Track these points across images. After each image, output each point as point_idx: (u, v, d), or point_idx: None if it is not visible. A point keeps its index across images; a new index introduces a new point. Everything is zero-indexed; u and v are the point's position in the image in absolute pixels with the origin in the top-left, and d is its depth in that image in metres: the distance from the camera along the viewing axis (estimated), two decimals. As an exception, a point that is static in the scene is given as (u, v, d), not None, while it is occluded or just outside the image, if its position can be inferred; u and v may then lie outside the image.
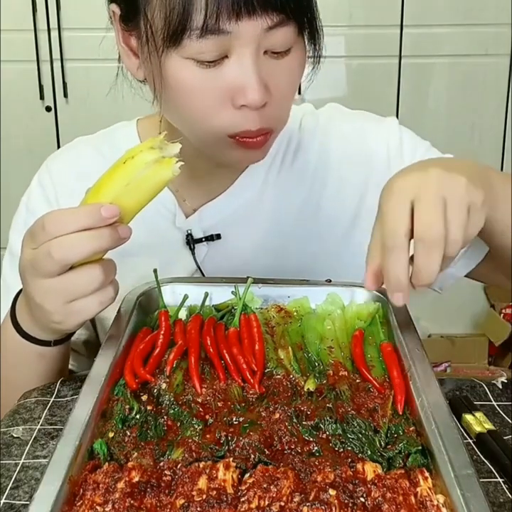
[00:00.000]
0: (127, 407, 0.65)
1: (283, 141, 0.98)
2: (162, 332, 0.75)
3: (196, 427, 0.63)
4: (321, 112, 1.02)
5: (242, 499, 0.53)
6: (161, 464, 0.57)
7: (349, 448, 0.60)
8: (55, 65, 2.32)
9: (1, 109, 2.37)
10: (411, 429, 0.62)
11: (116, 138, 1.01)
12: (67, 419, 0.60)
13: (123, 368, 0.70)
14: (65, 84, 2.35)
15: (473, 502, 0.50)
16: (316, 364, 0.73)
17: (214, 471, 0.56)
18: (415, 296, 0.75)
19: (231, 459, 0.57)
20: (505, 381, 0.79)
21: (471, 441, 0.69)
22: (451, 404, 0.73)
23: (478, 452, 0.68)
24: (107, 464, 0.57)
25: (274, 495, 0.53)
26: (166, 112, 0.85)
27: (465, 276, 1.01)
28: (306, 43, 0.81)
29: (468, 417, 0.72)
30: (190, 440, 0.61)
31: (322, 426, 0.63)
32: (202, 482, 0.55)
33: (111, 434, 0.62)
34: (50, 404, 0.76)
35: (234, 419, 0.64)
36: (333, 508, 0.52)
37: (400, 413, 0.64)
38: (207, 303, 0.83)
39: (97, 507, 0.53)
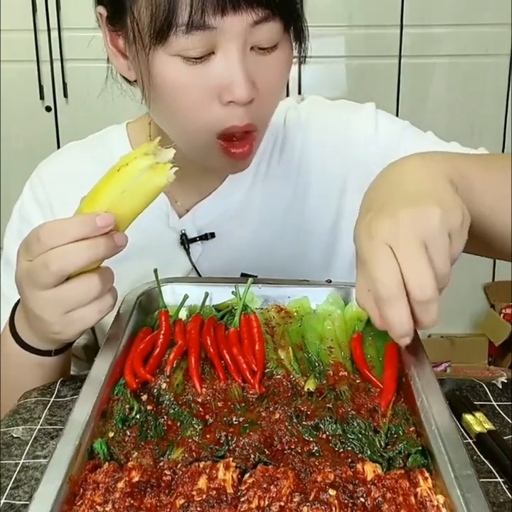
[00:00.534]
0: (127, 406, 0.65)
1: (270, 138, 0.98)
2: (162, 332, 0.75)
3: (196, 426, 0.63)
4: (302, 106, 1.03)
5: (242, 499, 0.53)
6: (161, 463, 0.57)
7: (349, 448, 0.60)
8: (55, 65, 2.33)
9: (1, 109, 2.37)
10: (411, 429, 0.62)
11: (107, 141, 1.01)
12: (67, 419, 0.60)
13: (123, 367, 0.70)
14: (65, 84, 2.36)
15: (473, 502, 0.50)
16: (316, 364, 0.73)
17: (214, 471, 0.56)
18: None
19: (231, 459, 0.57)
20: (505, 381, 0.79)
21: (471, 441, 0.69)
22: (451, 404, 0.73)
23: (478, 452, 0.68)
24: (107, 463, 0.57)
25: (274, 495, 0.53)
26: (154, 112, 0.85)
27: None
28: (292, 41, 0.81)
29: (468, 417, 0.72)
30: (190, 440, 0.61)
31: (322, 426, 0.63)
32: (202, 482, 0.55)
33: (111, 434, 0.62)
34: (50, 404, 0.76)
35: (234, 419, 0.64)
36: (333, 508, 0.52)
37: (383, 409, 0.64)
38: (207, 303, 0.83)
39: (97, 507, 0.53)
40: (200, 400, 0.67)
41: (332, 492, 0.53)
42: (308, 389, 0.68)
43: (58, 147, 2.36)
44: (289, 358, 0.73)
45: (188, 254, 0.96)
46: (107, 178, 0.70)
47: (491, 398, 0.76)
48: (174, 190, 0.97)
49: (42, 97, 2.37)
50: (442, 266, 0.62)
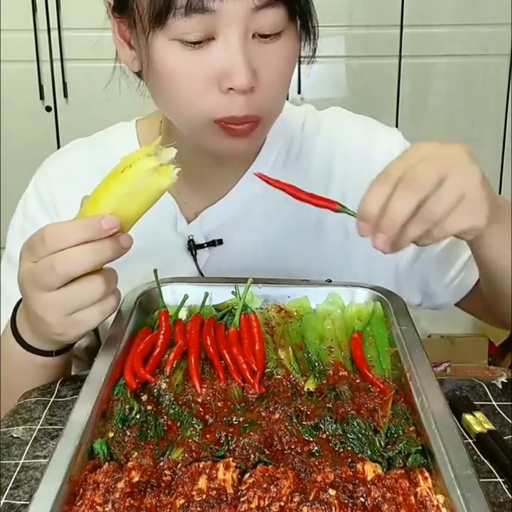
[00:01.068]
0: (127, 407, 0.65)
1: (285, 144, 0.97)
2: (162, 332, 0.75)
3: (196, 427, 0.63)
4: (323, 115, 1.01)
5: (242, 499, 0.53)
6: (161, 463, 0.57)
7: (349, 448, 0.60)
8: (55, 65, 2.33)
9: (1, 109, 2.37)
10: (411, 429, 0.62)
11: (114, 139, 1.00)
12: (67, 419, 0.60)
13: (123, 367, 0.70)
14: (65, 84, 2.35)
15: (473, 502, 0.50)
16: (316, 364, 0.73)
17: (214, 471, 0.56)
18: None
19: (231, 459, 0.57)
20: (505, 381, 0.79)
21: (471, 441, 0.69)
22: (451, 404, 0.73)
23: (478, 452, 0.68)
24: (107, 463, 0.57)
25: (274, 495, 0.53)
26: (155, 98, 0.84)
27: (458, 305, 1.03)
28: (300, 34, 0.80)
29: (468, 417, 0.72)
30: (190, 440, 0.61)
31: (322, 426, 0.63)
32: (202, 482, 0.55)
33: (111, 434, 0.62)
34: (50, 404, 0.76)
35: (234, 419, 0.64)
36: (333, 508, 0.52)
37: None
38: (207, 303, 0.83)
39: (97, 507, 0.53)
40: (200, 400, 0.67)
41: (332, 492, 0.53)
42: (308, 389, 0.68)
43: (58, 147, 2.36)
44: (289, 358, 0.73)
45: (195, 260, 0.96)
46: (110, 179, 0.70)
47: (491, 398, 0.76)
48: (184, 192, 0.96)
49: (42, 97, 2.36)
50: (441, 198, 0.65)
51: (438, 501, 0.53)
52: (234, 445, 0.60)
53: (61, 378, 0.82)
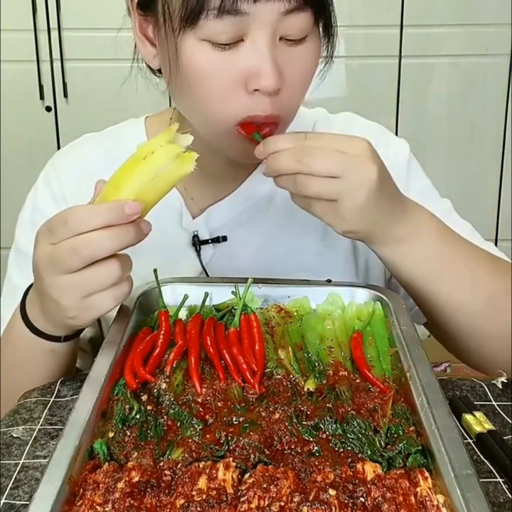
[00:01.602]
0: (127, 407, 0.65)
1: None
2: (162, 332, 0.75)
3: (196, 427, 0.63)
4: (336, 120, 1.02)
5: (242, 499, 0.53)
6: (161, 464, 0.57)
7: (349, 448, 0.60)
8: (55, 65, 2.33)
9: (1, 109, 2.37)
10: (411, 429, 0.62)
11: (123, 135, 1.01)
12: (67, 419, 0.60)
13: (123, 367, 0.70)
14: (65, 84, 2.35)
15: (473, 502, 0.50)
16: (316, 364, 0.73)
17: (214, 471, 0.56)
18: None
19: (231, 459, 0.57)
20: (505, 381, 0.79)
21: (471, 441, 0.69)
22: (451, 404, 0.73)
23: (478, 452, 0.67)
24: (106, 463, 0.57)
25: (274, 495, 0.53)
26: (178, 98, 0.84)
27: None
28: (321, 37, 0.81)
29: (468, 417, 0.72)
30: (190, 440, 0.61)
31: (322, 426, 0.63)
32: (202, 482, 0.55)
33: (111, 434, 0.62)
34: (50, 404, 0.76)
35: (234, 419, 0.64)
36: (333, 508, 0.52)
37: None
38: (207, 303, 0.83)
39: (97, 507, 0.53)
40: (200, 400, 0.67)
41: (332, 492, 0.53)
42: (308, 389, 0.68)
43: (58, 147, 2.37)
44: (289, 358, 0.73)
45: (199, 256, 0.96)
46: (132, 165, 0.71)
47: (491, 398, 0.76)
48: (192, 187, 0.97)
49: (42, 97, 2.36)
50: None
51: (438, 501, 0.53)
52: (234, 445, 0.60)
53: (61, 378, 0.82)
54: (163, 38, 0.79)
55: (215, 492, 0.53)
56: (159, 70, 0.86)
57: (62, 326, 0.80)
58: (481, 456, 0.67)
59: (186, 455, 0.59)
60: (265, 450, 0.60)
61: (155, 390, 0.68)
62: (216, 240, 0.96)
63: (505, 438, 0.69)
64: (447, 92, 2.46)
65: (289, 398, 0.67)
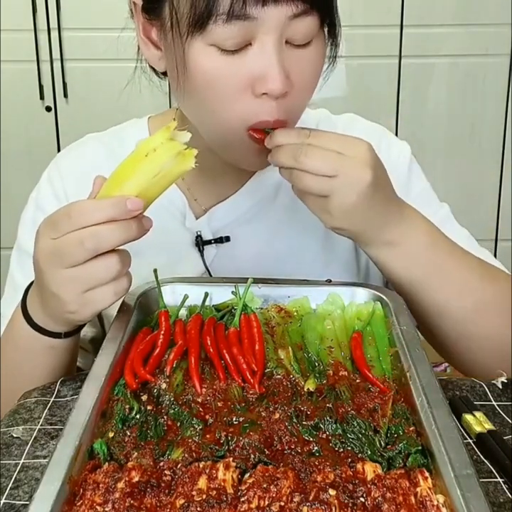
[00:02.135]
0: (127, 407, 0.65)
1: None
2: (162, 332, 0.75)
3: (196, 427, 0.63)
4: (338, 121, 1.02)
5: (242, 499, 0.53)
6: (161, 463, 0.57)
7: (349, 448, 0.60)
8: (55, 65, 2.33)
9: (1, 109, 2.37)
10: (411, 429, 0.62)
11: (126, 135, 1.01)
12: (67, 419, 0.60)
13: (123, 367, 0.70)
14: (65, 84, 2.35)
15: (473, 502, 0.50)
16: (316, 364, 0.73)
17: (214, 471, 0.56)
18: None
19: (231, 459, 0.57)
20: (505, 381, 0.79)
21: (471, 441, 0.69)
22: (451, 404, 0.73)
23: (478, 452, 0.67)
24: (106, 463, 0.57)
25: (274, 495, 0.53)
26: (185, 103, 0.84)
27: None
28: (326, 38, 0.81)
29: (468, 417, 0.72)
30: (190, 440, 0.61)
31: (322, 426, 0.63)
32: (202, 482, 0.55)
33: (111, 434, 0.62)
34: (50, 404, 0.76)
35: (234, 419, 0.64)
36: (333, 508, 0.52)
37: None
38: (207, 303, 0.83)
39: (97, 507, 0.53)
40: (200, 400, 0.67)
41: (332, 492, 0.53)
42: (308, 389, 0.68)
43: (58, 147, 2.37)
44: (289, 358, 0.73)
45: (202, 256, 0.96)
46: (134, 162, 0.71)
47: (491, 398, 0.76)
48: (194, 188, 0.97)
49: (42, 97, 2.36)
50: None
51: (438, 501, 0.53)
52: (234, 445, 0.60)
53: (61, 378, 0.82)
54: (170, 42, 0.78)
55: (215, 492, 0.53)
56: (164, 73, 0.86)
57: (63, 322, 0.80)
58: (481, 456, 0.67)
59: (186, 455, 0.59)
60: (265, 450, 0.60)
61: (155, 390, 0.68)
62: (219, 240, 0.96)
63: (505, 438, 0.69)
64: (447, 92, 2.46)
65: (289, 398, 0.67)
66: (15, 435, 0.70)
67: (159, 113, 1.02)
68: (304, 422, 0.63)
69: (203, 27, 0.74)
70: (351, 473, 0.56)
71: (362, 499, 0.53)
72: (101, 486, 0.54)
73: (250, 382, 0.69)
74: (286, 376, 0.70)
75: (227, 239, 0.97)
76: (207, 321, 0.78)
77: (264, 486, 0.54)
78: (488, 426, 0.70)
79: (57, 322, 0.81)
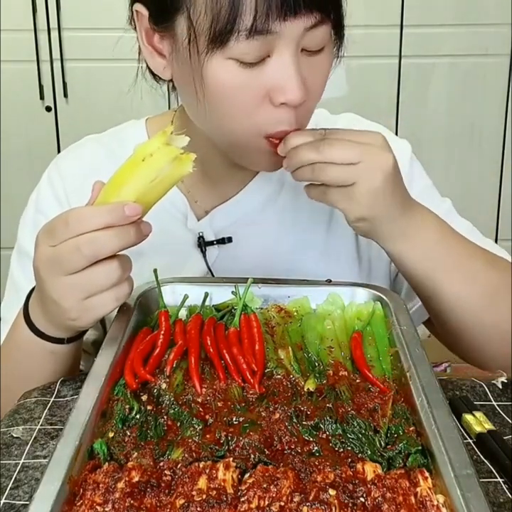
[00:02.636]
0: (127, 407, 0.65)
1: None
2: (162, 332, 0.75)
3: (196, 427, 0.63)
4: (338, 120, 1.02)
5: (242, 499, 0.53)
6: (161, 464, 0.57)
7: (349, 448, 0.60)
8: (55, 65, 2.33)
9: (1, 109, 2.37)
10: (411, 429, 0.62)
11: (125, 136, 1.00)
12: (67, 419, 0.60)
13: (123, 367, 0.70)
14: (65, 84, 2.35)
15: (473, 502, 0.50)
16: (316, 364, 0.73)
17: (214, 471, 0.56)
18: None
19: (231, 459, 0.57)
20: (505, 381, 0.79)
21: (471, 441, 0.69)
22: (451, 404, 0.73)
23: (478, 452, 0.67)
24: (107, 463, 0.57)
25: (274, 495, 0.53)
26: (202, 115, 0.82)
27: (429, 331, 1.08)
28: (334, 41, 0.81)
29: (468, 417, 0.72)
30: (190, 440, 0.61)
31: (322, 426, 0.63)
32: (202, 482, 0.55)
33: (111, 434, 0.62)
34: (50, 404, 0.76)
35: (234, 419, 0.64)
36: (333, 508, 0.52)
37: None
38: (207, 303, 0.83)
39: (97, 507, 0.53)
40: (200, 400, 0.67)
41: (332, 492, 0.53)
42: (308, 389, 0.68)
43: (58, 147, 2.37)
44: (289, 358, 0.73)
45: (204, 257, 0.96)
46: (131, 167, 0.71)
47: (491, 398, 0.76)
48: (195, 190, 0.97)
49: (42, 97, 2.36)
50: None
51: (438, 501, 0.53)
52: (234, 445, 0.60)
53: (61, 378, 0.82)
54: (185, 56, 0.77)
55: (215, 492, 0.53)
56: (171, 80, 0.84)
57: (64, 328, 0.80)
58: (481, 456, 0.67)
59: (186, 455, 0.59)
60: (265, 450, 0.60)
61: (155, 390, 0.68)
62: (221, 241, 0.96)
63: (505, 438, 0.69)
64: (447, 92, 2.46)
65: (289, 398, 0.67)
66: (15, 435, 0.70)
67: (157, 114, 1.02)
68: (304, 422, 0.63)
69: (224, 43, 0.73)
70: (351, 473, 0.56)
71: (362, 499, 0.53)
72: (101, 486, 0.54)
73: (250, 382, 0.69)
74: (286, 376, 0.70)
75: (230, 240, 0.97)
76: (207, 321, 0.78)
77: (264, 486, 0.54)
78: (488, 426, 0.70)
79: (59, 328, 0.81)
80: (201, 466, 0.56)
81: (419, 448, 0.59)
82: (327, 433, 0.62)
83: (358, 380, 0.70)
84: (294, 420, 0.63)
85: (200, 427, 0.63)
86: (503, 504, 0.60)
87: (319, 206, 0.97)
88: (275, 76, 0.76)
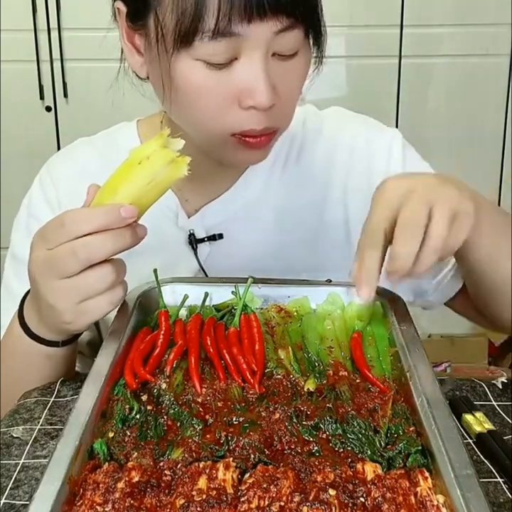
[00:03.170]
0: (127, 407, 0.65)
1: (286, 141, 0.98)
2: (162, 332, 0.75)
3: (196, 427, 0.63)
4: (325, 115, 1.03)
5: (242, 499, 0.53)
6: (161, 464, 0.57)
7: (349, 448, 0.60)
8: (55, 65, 2.32)
9: (1, 109, 2.37)
10: (411, 429, 0.62)
11: (117, 139, 1.01)
12: (68, 419, 0.60)
13: (123, 367, 0.70)
14: (65, 84, 2.35)
15: (473, 502, 0.50)
16: (316, 364, 0.73)
17: (214, 471, 0.56)
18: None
19: (231, 459, 0.57)
20: (505, 381, 0.79)
21: (471, 441, 0.69)
22: (451, 404, 0.73)
23: (478, 452, 0.68)
24: (106, 463, 0.57)
25: (274, 495, 0.53)
26: (172, 112, 0.85)
27: (448, 306, 1.06)
28: (311, 44, 0.81)
29: (468, 417, 0.72)
30: (190, 440, 0.61)
31: (322, 426, 0.63)
32: (202, 482, 0.55)
33: (111, 434, 0.62)
34: (50, 404, 0.76)
35: (234, 419, 0.64)
36: (333, 508, 0.52)
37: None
38: (207, 303, 0.83)
39: (97, 507, 0.53)
40: (200, 400, 0.67)
41: (332, 492, 0.53)
42: (308, 389, 0.68)
43: (58, 147, 2.37)
44: (289, 358, 0.73)
45: (196, 254, 0.96)
46: (127, 170, 0.72)
47: (491, 398, 0.76)
48: (185, 189, 0.97)
49: (42, 97, 2.36)
50: (438, 225, 0.70)
51: (438, 501, 0.53)
52: (234, 445, 0.60)
53: (61, 378, 0.82)
54: (155, 55, 0.78)
55: (215, 492, 0.53)
56: (148, 77, 0.85)
57: (59, 331, 0.81)
58: (481, 456, 0.67)
59: (186, 455, 0.59)
60: (265, 450, 0.60)
61: (155, 390, 0.68)
62: (212, 238, 0.97)
63: (505, 438, 0.69)
64: (447, 92, 2.46)
65: (289, 398, 0.67)
66: (15, 435, 0.70)
67: (148, 116, 1.02)
68: (303, 422, 0.63)
69: (188, 43, 0.74)
70: (351, 473, 0.56)
71: (362, 499, 0.53)
72: (101, 486, 0.54)
73: (250, 382, 0.69)
74: (286, 376, 0.70)
75: (221, 236, 0.97)
76: (207, 321, 0.78)
77: (264, 486, 0.54)
78: (488, 426, 0.70)
79: (54, 331, 0.81)
80: (201, 466, 0.56)
81: (419, 448, 0.59)
82: (327, 433, 0.62)
83: (358, 380, 0.70)
84: (294, 420, 0.63)
85: (200, 427, 0.63)
86: (503, 504, 0.60)
87: (308, 201, 0.97)
88: (243, 79, 0.76)
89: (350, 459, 0.58)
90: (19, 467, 0.66)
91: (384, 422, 0.63)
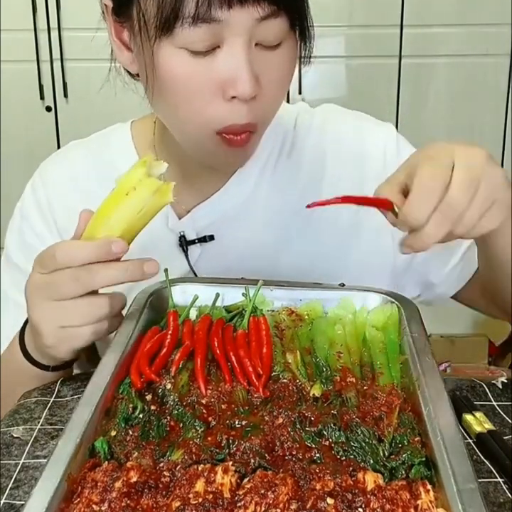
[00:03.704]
0: (131, 406, 0.64)
1: (278, 140, 0.98)
2: (170, 332, 0.75)
3: (198, 429, 0.62)
4: (316, 111, 1.02)
5: (239, 504, 0.52)
6: (161, 464, 0.57)
7: (351, 456, 0.59)
8: (55, 65, 2.33)
9: (1, 109, 2.37)
10: (416, 439, 0.60)
11: (110, 141, 1.00)
12: (70, 416, 0.60)
13: (130, 366, 0.70)
14: (65, 84, 2.35)
15: (474, 517, 0.49)
16: (324, 369, 0.71)
17: (212, 475, 0.55)
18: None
19: (230, 462, 0.57)
20: (505, 381, 0.79)
21: (471, 441, 0.69)
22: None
23: (478, 452, 0.67)
24: (106, 462, 0.57)
25: (271, 501, 0.52)
26: (156, 105, 0.84)
27: (454, 298, 1.05)
28: (298, 40, 0.81)
29: (468, 417, 0.71)
30: (191, 442, 0.60)
31: (325, 433, 0.61)
32: (199, 485, 0.54)
33: (113, 433, 0.61)
34: (50, 404, 0.76)
35: (236, 422, 0.63)
36: (330, 518, 0.51)
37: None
38: (219, 304, 0.82)
39: (93, 505, 0.52)
40: (204, 402, 0.66)
41: (330, 501, 0.52)
42: (313, 394, 0.67)
43: (58, 147, 2.37)
44: (297, 362, 0.72)
45: (186, 256, 0.96)
46: (115, 201, 0.74)
47: (491, 398, 0.76)
48: (175, 190, 0.97)
49: (42, 97, 2.36)
50: (475, 210, 0.66)
51: (438, 515, 0.51)
52: (235, 449, 0.59)
53: (61, 378, 0.82)
54: (139, 45, 0.78)
55: (211, 496, 0.52)
56: (138, 75, 0.85)
57: (45, 355, 0.81)
58: (481, 456, 0.67)
59: (186, 457, 0.58)
60: (266, 455, 0.59)
61: (160, 390, 0.67)
62: (203, 240, 0.96)
63: (505, 438, 0.69)
64: (447, 92, 2.46)
65: (294, 403, 0.66)
66: (15, 435, 0.70)
67: (141, 117, 1.01)
68: (307, 428, 0.62)
69: (169, 30, 0.74)
70: (351, 482, 0.54)
71: (360, 510, 0.52)
72: (99, 484, 0.54)
73: (255, 386, 0.68)
74: (293, 380, 0.69)
75: (211, 238, 0.96)
76: (215, 322, 0.77)
77: (262, 491, 0.53)
78: (488, 426, 0.70)
79: (41, 356, 0.82)
80: (200, 468, 0.56)
81: (423, 459, 0.57)
82: (330, 440, 0.60)
83: (365, 387, 0.68)
84: (297, 426, 0.62)
85: (202, 429, 0.62)
86: (503, 504, 0.60)
87: (299, 201, 0.96)
88: (225, 67, 0.75)
89: (351, 468, 0.57)
90: (19, 467, 0.66)
91: (389, 431, 0.61)
